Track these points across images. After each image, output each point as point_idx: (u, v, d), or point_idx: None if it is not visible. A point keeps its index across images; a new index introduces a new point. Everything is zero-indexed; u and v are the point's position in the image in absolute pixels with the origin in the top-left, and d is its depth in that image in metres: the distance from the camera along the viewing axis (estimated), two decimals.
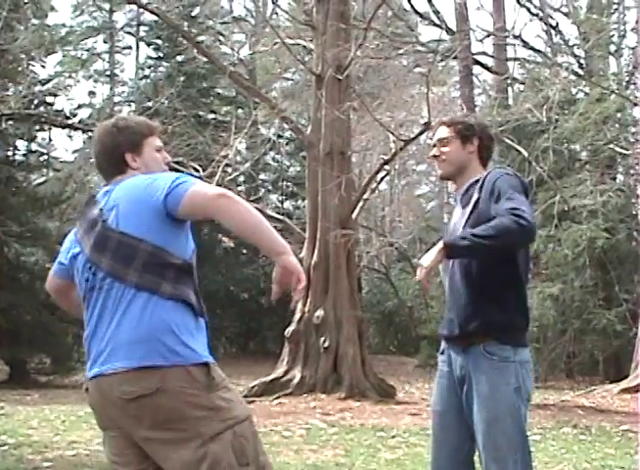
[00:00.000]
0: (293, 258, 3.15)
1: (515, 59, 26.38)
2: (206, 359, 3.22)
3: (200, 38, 26.06)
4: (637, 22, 19.83)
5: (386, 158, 18.18)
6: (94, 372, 3.25)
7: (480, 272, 3.91)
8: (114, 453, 3.35)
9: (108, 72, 40.95)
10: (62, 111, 26.76)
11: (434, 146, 4.22)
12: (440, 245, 3.72)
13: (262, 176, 33.36)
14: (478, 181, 4.04)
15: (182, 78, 29.20)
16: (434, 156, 4.19)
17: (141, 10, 30.46)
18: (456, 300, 3.99)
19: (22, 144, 27.81)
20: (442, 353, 4.11)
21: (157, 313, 3.16)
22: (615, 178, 23.98)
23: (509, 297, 3.93)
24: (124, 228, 3.23)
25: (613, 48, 25.28)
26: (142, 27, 37.85)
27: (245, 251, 31.22)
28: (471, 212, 3.97)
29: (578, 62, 22.47)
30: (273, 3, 22.73)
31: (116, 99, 38.79)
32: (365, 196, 18.53)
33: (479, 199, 3.96)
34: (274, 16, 24.93)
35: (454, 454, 4.02)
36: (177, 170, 3.55)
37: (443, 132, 4.17)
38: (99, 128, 3.56)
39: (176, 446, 3.15)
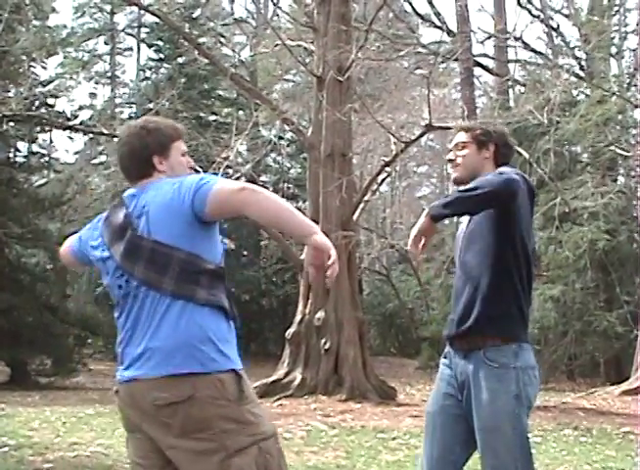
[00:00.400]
0: (321, 236, 3.12)
1: (516, 61, 26.44)
2: (239, 368, 3.22)
3: (201, 40, 26.05)
4: (638, 24, 19.85)
5: (387, 159, 18.18)
6: (127, 376, 3.26)
7: (479, 270, 3.92)
8: (138, 456, 3.38)
9: (109, 74, 40.97)
10: (63, 112, 26.74)
11: (451, 150, 4.24)
12: (424, 212, 3.83)
13: (263, 178, 33.34)
14: None
15: (183, 80, 29.21)
16: (450, 159, 4.22)
17: (142, 11, 30.45)
18: (457, 298, 4.01)
19: (22, 145, 27.81)
20: (445, 357, 4.11)
21: (193, 320, 3.17)
22: (616, 180, 24.00)
23: (506, 292, 3.91)
24: (156, 237, 3.22)
25: (614, 50, 25.30)
26: (143, 29, 37.87)
27: (245, 252, 31.23)
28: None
29: (579, 64, 22.50)
30: (274, 5, 22.76)
31: (117, 100, 38.83)
32: (366, 198, 18.53)
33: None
34: (275, 17, 24.92)
35: (444, 456, 3.99)
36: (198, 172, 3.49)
37: (461, 137, 4.19)
38: (126, 130, 3.53)
39: (201, 457, 3.15)
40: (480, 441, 3.85)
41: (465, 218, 4.18)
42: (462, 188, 3.84)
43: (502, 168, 4.01)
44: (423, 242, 3.83)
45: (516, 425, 3.82)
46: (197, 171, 3.57)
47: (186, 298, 3.18)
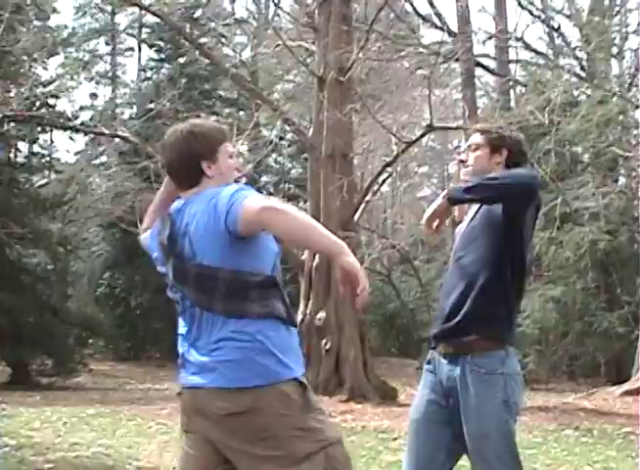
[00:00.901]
0: (348, 258, 3.10)
1: (517, 61, 26.40)
2: (301, 377, 3.22)
3: (202, 40, 26.01)
4: (639, 24, 19.82)
5: (388, 160, 18.20)
6: (191, 383, 3.28)
7: (474, 270, 3.89)
8: (192, 449, 3.37)
9: (110, 74, 40.94)
10: (64, 112, 26.78)
11: (464, 150, 4.24)
12: (443, 192, 3.88)
13: (264, 178, 33.37)
14: None
15: (184, 80, 29.24)
16: (461, 160, 4.20)
17: (143, 12, 30.41)
18: (447, 294, 3.97)
19: (23, 146, 27.89)
20: (429, 363, 4.06)
21: (250, 335, 3.17)
22: (617, 180, 23.99)
23: (498, 294, 3.88)
24: (200, 259, 3.23)
25: (615, 50, 25.24)
26: (144, 29, 37.84)
27: None
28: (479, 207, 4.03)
29: (580, 64, 22.46)
30: (275, 5, 22.79)
31: (118, 101, 38.80)
32: (367, 198, 18.54)
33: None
34: (276, 18, 24.94)
35: (429, 463, 3.94)
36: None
37: (476, 139, 4.14)
38: (172, 135, 3.45)
39: (267, 463, 3.16)
40: (469, 448, 3.84)
41: (468, 216, 4.13)
42: (486, 176, 3.87)
43: (519, 169, 4.05)
44: (437, 223, 3.88)
45: (504, 432, 3.80)
46: (243, 176, 3.54)
47: (237, 315, 3.19)
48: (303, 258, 17.34)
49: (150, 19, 32.50)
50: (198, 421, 3.29)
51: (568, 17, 22.61)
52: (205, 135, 3.39)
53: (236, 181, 3.42)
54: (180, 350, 3.39)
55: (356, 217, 17.64)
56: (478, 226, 3.97)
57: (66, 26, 35.30)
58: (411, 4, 22.66)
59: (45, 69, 27.19)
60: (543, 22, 22.68)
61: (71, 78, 31.94)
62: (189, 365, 3.31)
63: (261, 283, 3.21)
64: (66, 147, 54.99)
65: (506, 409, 3.80)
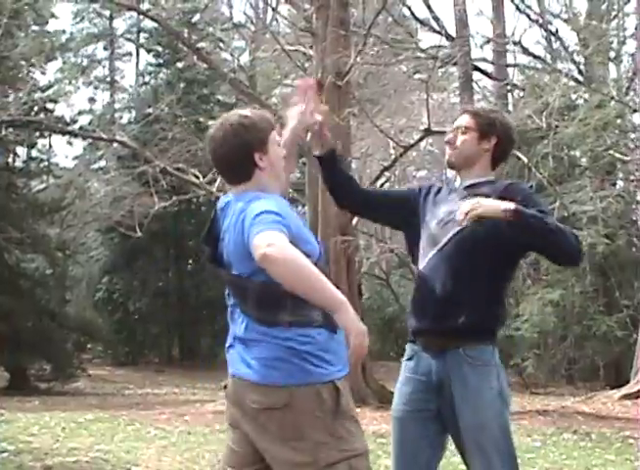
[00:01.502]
0: (347, 316, 3.05)
1: (515, 65, 26.40)
2: (339, 380, 3.19)
3: (200, 45, 26.05)
4: (636, 28, 19.87)
5: (386, 164, 18.22)
6: (233, 371, 3.31)
7: (470, 266, 3.79)
8: (236, 445, 3.38)
9: (108, 79, 40.99)
10: (62, 117, 26.81)
11: (452, 131, 4.09)
12: (511, 206, 3.58)
13: None
14: (491, 183, 3.96)
15: (182, 85, 29.26)
16: (448, 141, 4.05)
17: (141, 17, 30.49)
18: (432, 288, 3.84)
19: (22, 151, 27.91)
20: (410, 359, 3.96)
21: (279, 339, 3.16)
22: (615, 184, 23.98)
23: (490, 285, 3.82)
24: (233, 269, 3.26)
25: (612, 54, 25.28)
26: (142, 34, 37.91)
27: None
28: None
29: (578, 68, 22.47)
30: (273, 10, 22.75)
31: (117, 106, 38.83)
32: None
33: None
34: (274, 22, 24.90)
35: (412, 463, 3.92)
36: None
37: (464, 120, 4.02)
38: (220, 128, 3.38)
39: (291, 467, 3.16)
40: (466, 439, 3.78)
41: (453, 198, 3.95)
42: (550, 222, 3.67)
43: (540, 199, 4.01)
44: (473, 217, 3.59)
45: (501, 423, 3.77)
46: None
47: (268, 323, 3.18)
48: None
49: (148, 23, 32.58)
50: (234, 412, 3.32)
51: (565, 21, 22.62)
52: (256, 125, 3.32)
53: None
54: (228, 342, 3.41)
55: (354, 222, 17.63)
56: (478, 236, 3.77)
57: (64, 31, 35.41)
58: (409, 8, 22.72)
59: (43, 73, 27.27)
60: (541, 26, 22.71)
61: (70, 83, 32.07)
62: (232, 357, 3.33)
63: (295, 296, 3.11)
64: (64, 152, 55.23)
65: (501, 400, 3.77)
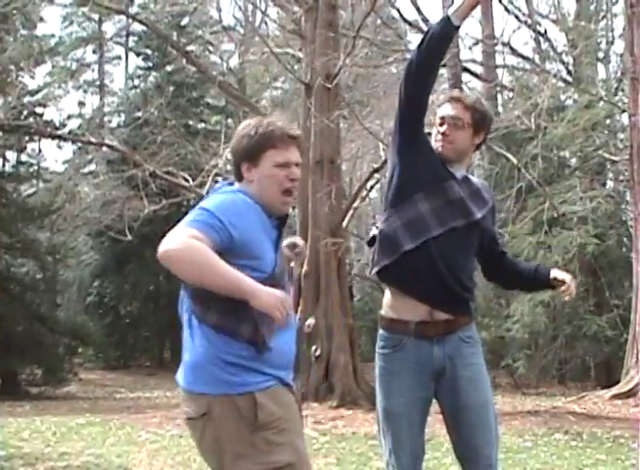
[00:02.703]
0: (259, 300, 2.99)
1: (504, 66, 26.46)
2: (260, 391, 3.10)
3: (189, 48, 26.12)
4: (624, 28, 19.88)
5: (376, 166, 18.21)
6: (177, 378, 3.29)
7: (474, 247, 3.98)
8: None
9: (97, 83, 40.93)
10: (51, 121, 26.77)
11: (444, 119, 4.00)
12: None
13: None
14: (480, 183, 4.14)
15: (171, 88, 29.25)
16: (443, 134, 3.97)
17: (130, 20, 30.46)
18: (453, 265, 3.84)
19: (11, 155, 27.86)
20: (395, 350, 3.88)
21: (204, 341, 3.13)
22: (604, 184, 24.05)
23: (474, 267, 4.03)
24: None
25: (601, 55, 25.35)
26: (131, 38, 37.92)
27: None
28: (485, 215, 4.01)
29: (567, 68, 22.54)
30: (262, 13, 22.80)
31: (106, 109, 38.77)
32: (355, 204, 18.56)
33: (492, 208, 4.11)
34: (263, 25, 24.97)
35: (418, 454, 3.92)
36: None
37: (460, 112, 3.95)
38: (244, 127, 3.39)
39: None
40: (470, 417, 3.83)
41: (456, 186, 3.96)
42: None
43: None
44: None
45: (492, 396, 3.98)
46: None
47: (198, 318, 3.16)
48: (292, 265, 17.32)
49: (137, 27, 32.58)
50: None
51: (554, 22, 22.69)
52: (255, 138, 3.29)
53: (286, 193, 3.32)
54: None
55: (345, 223, 17.64)
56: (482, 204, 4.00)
57: (53, 35, 35.36)
58: (397, 10, 22.66)
59: (32, 77, 27.16)
60: (530, 27, 22.75)
61: (59, 87, 31.98)
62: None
63: (226, 300, 3.07)
64: (53, 156, 55.13)
65: (488, 374, 3.97)
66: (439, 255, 3.79)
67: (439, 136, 3.98)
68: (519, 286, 4.32)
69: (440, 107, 4.05)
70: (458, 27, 3.84)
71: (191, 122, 30.74)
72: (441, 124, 3.99)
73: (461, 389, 3.83)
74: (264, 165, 3.27)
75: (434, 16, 36.65)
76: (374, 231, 4.01)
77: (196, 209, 3.14)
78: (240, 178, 3.32)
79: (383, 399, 3.94)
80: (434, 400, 3.94)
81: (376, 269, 3.92)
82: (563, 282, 3.94)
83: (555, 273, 3.93)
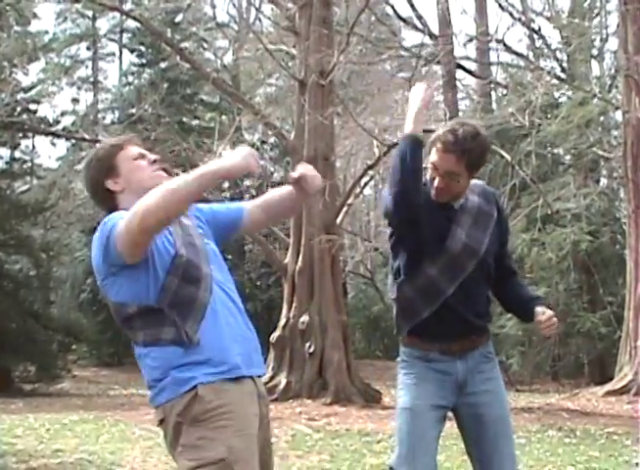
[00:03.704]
0: (235, 168, 3.05)
1: (498, 63, 26.49)
2: (198, 386, 3.07)
3: (183, 45, 26.03)
4: (618, 26, 19.90)
5: (370, 163, 18.22)
6: None
7: (488, 273, 3.98)
8: None
9: (91, 79, 40.85)
10: (45, 118, 26.71)
11: (437, 169, 3.80)
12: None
13: (247, 182, 33.28)
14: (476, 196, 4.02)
15: (166, 85, 29.14)
16: (437, 188, 3.82)
17: (124, 17, 30.41)
18: (471, 298, 3.91)
19: (5, 152, 27.75)
20: (424, 360, 3.95)
21: (147, 361, 3.15)
22: (598, 181, 24.11)
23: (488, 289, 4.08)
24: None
25: (595, 52, 25.37)
26: (125, 34, 37.81)
27: (229, 257, 31.19)
28: (490, 238, 3.96)
29: (561, 66, 22.58)
30: (256, 9, 22.76)
31: (100, 106, 38.71)
32: (349, 201, 18.56)
33: (497, 219, 4.02)
34: (257, 22, 24.92)
35: (435, 454, 3.92)
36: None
37: (453, 164, 3.74)
38: (81, 170, 3.46)
39: None
40: (492, 430, 3.87)
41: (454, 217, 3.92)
42: None
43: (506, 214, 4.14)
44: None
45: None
46: (167, 172, 3.42)
47: (134, 343, 3.18)
48: (286, 261, 17.35)
49: (131, 24, 32.48)
50: None
51: (548, 19, 22.72)
52: (98, 156, 3.32)
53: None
54: None
55: (339, 220, 17.64)
56: (486, 228, 3.95)
57: (46, 32, 35.24)
58: (392, 7, 22.76)
59: (26, 74, 27.08)
60: (524, 24, 22.78)
61: (53, 84, 31.95)
62: None
63: (139, 313, 3.10)
64: (47, 152, 55.07)
65: None
66: (458, 303, 3.87)
67: (433, 187, 3.84)
68: (512, 311, 4.27)
69: (431, 150, 3.84)
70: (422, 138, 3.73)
71: (185, 119, 30.65)
72: (434, 172, 3.82)
73: (484, 402, 3.89)
74: (124, 166, 3.28)
75: (429, 12, 36.53)
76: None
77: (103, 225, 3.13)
78: (112, 203, 3.25)
79: (408, 399, 3.97)
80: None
81: (400, 333, 4.12)
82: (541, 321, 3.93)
83: (538, 313, 3.90)
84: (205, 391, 3.06)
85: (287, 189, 3.57)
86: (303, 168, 3.41)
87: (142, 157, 3.34)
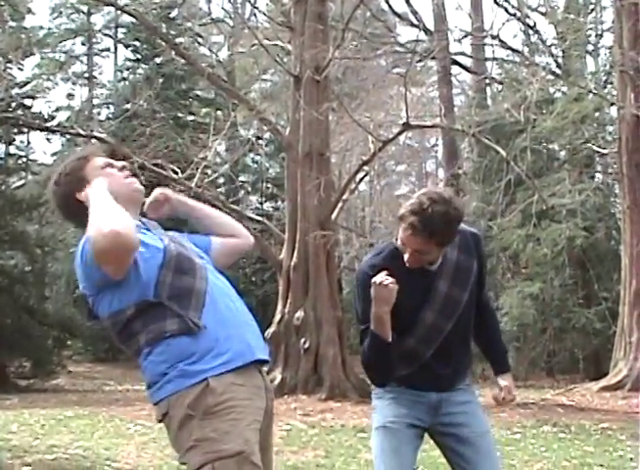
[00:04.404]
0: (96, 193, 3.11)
1: (493, 59, 26.51)
2: (212, 378, 3.04)
3: (178, 40, 26.01)
4: (613, 21, 19.91)
5: (365, 158, 18.22)
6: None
7: (468, 330, 3.97)
8: None
9: (86, 75, 40.80)
10: (40, 113, 26.65)
11: (407, 246, 3.67)
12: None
13: (242, 178, 33.32)
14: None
15: (161, 80, 29.12)
16: (407, 261, 3.69)
17: (119, 12, 30.35)
18: (448, 355, 3.87)
19: (0, 147, 27.71)
20: (396, 385, 3.93)
21: (148, 360, 3.12)
22: (593, 177, 24.13)
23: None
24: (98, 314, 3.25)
25: (590, 48, 25.39)
26: (120, 29, 37.79)
27: None
28: (470, 288, 3.88)
29: (556, 61, 22.55)
30: (251, 5, 22.71)
31: (95, 101, 38.70)
32: (344, 197, 18.55)
33: (478, 265, 3.92)
34: (252, 17, 24.89)
35: (411, 468, 3.91)
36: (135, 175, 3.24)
37: (423, 246, 3.62)
38: (48, 190, 3.44)
39: None
40: (474, 447, 3.88)
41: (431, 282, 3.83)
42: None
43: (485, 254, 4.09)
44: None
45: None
46: (134, 175, 3.41)
47: (138, 354, 3.15)
48: (281, 257, 17.34)
49: (126, 19, 32.47)
50: None
51: (543, 14, 22.67)
52: (66, 171, 3.32)
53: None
54: None
55: (334, 216, 17.64)
56: (462, 294, 3.86)
57: (41, 27, 35.24)
58: (387, 2, 22.74)
59: (21, 69, 27.02)
60: (519, 19, 22.75)
61: (48, 79, 31.89)
62: None
63: (136, 314, 3.08)
64: (42, 148, 54.95)
65: None
66: (436, 363, 3.85)
67: (406, 259, 3.71)
68: (485, 357, 4.29)
69: (399, 225, 3.68)
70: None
71: (180, 115, 30.63)
72: (404, 247, 3.69)
73: (460, 423, 3.89)
74: (94, 176, 3.26)
75: (424, 8, 36.54)
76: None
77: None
78: (84, 217, 3.15)
79: (381, 418, 3.95)
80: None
81: (374, 384, 4.02)
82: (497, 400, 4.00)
83: (499, 385, 3.99)
84: (217, 382, 3.04)
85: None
86: None
87: (110, 165, 3.34)
